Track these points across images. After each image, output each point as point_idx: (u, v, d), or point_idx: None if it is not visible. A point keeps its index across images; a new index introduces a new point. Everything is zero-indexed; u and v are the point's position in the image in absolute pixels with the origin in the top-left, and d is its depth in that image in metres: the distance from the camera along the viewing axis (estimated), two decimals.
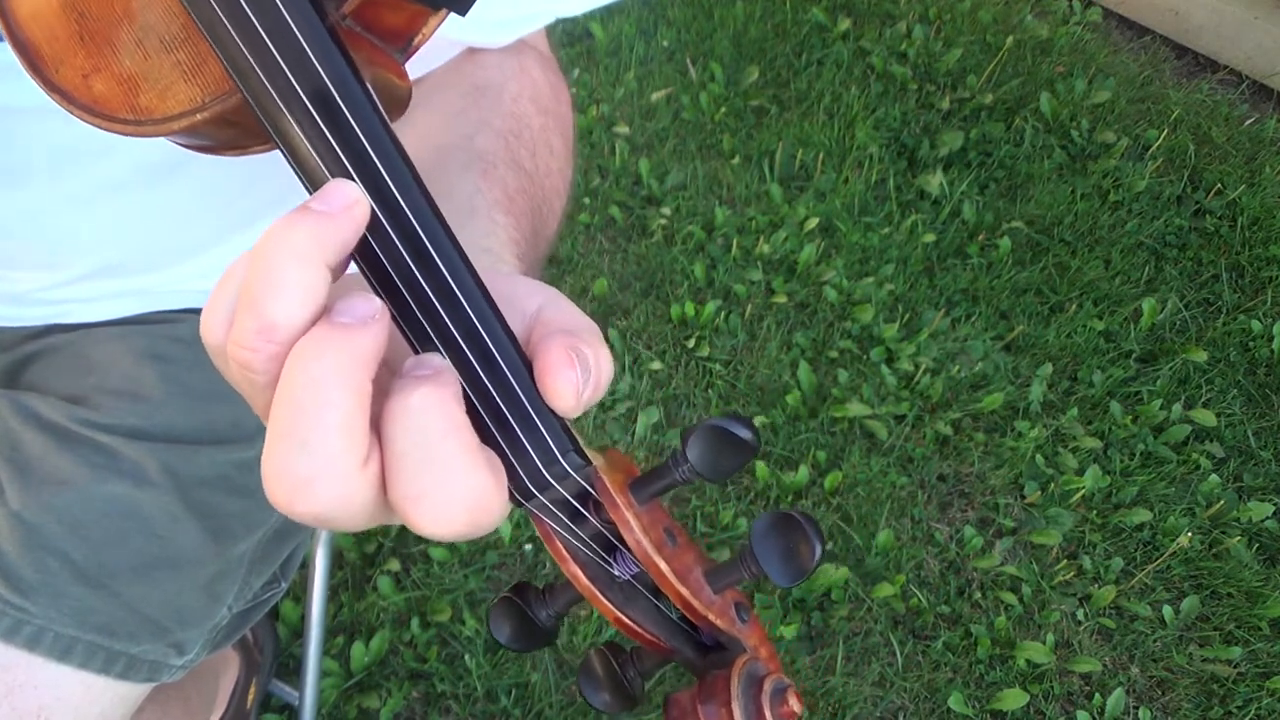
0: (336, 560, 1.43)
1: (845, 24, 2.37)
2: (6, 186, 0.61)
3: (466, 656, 1.36)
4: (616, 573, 0.36)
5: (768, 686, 0.36)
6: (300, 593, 1.34)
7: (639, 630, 0.37)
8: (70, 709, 0.59)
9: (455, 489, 0.29)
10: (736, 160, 2.07)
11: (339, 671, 1.32)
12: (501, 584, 1.44)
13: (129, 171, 0.62)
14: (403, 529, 1.47)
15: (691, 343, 1.75)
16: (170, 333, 0.71)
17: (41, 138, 0.59)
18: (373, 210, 0.30)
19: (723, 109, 2.15)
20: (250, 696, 1.15)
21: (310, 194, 0.30)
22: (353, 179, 0.30)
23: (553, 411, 0.32)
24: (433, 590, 1.41)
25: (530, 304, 0.35)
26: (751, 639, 0.38)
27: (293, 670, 1.26)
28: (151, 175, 0.63)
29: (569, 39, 2.27)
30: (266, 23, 0.29)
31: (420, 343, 0.32)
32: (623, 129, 2.09)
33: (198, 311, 0.73)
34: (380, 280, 0.31)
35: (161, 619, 0.63)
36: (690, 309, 1.78)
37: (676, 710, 0.36)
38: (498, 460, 0.31)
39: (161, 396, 0.67)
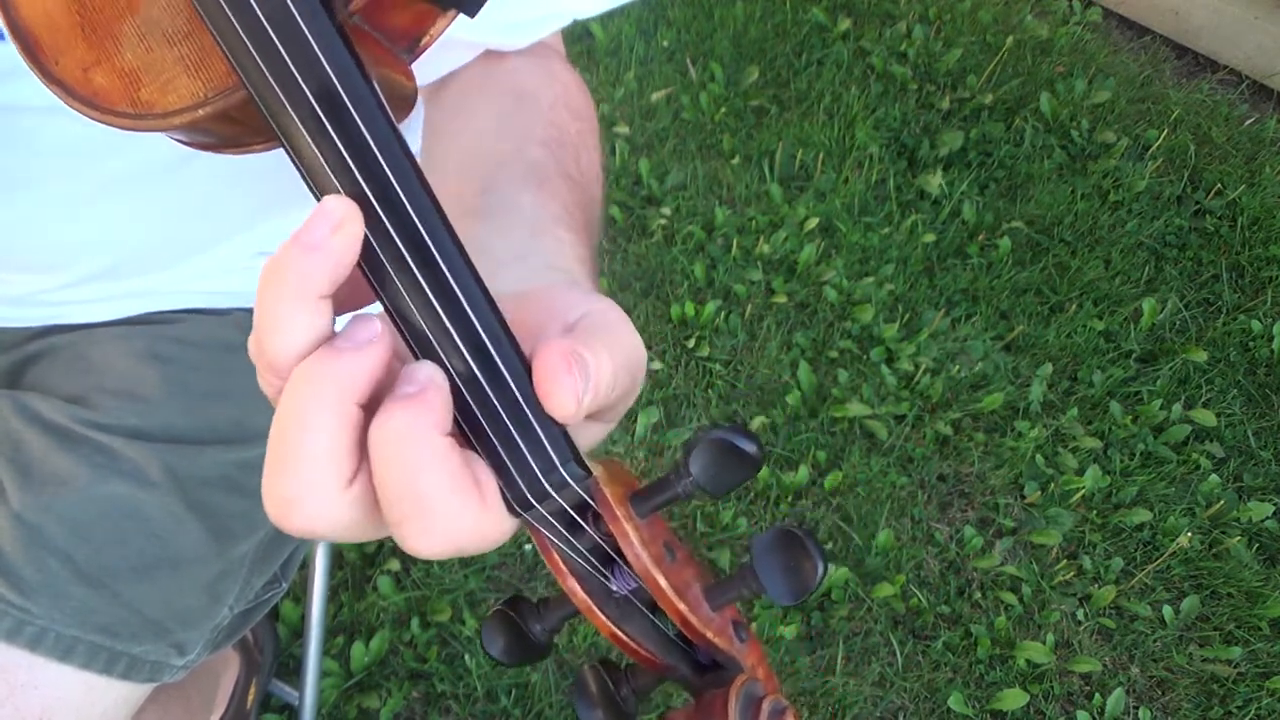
0: (336, 560, 1.43)
1: (845, 24, 2.37)
2: (6, 188, 0.61)
3: (466, 656, 1.36)
4: (614, 587, 0.36)
5: (766, 707, 0.35)
6: (300, 593, 1.34)
7: (635, 647, 0.36)
8: (72, 709, 0.59)
9: (436, 518, 0.29)
10: (736, 160, 2.07)
11: (339, 671, 1.32)
12: (501, 584, 1.44)
13: (129, 173, 0.62)
14: None
15: (691, 343, 1.75)
16: (171, 333, 0.71)
17: (39, 140, 0.59)
18: (375, 209, 0.30)
19: (723, 109, 2.15)
20: (250, 696, 1.15)
21: (313, 192, 0.30)
22: (356, 178, 0.29)
23: (553, 420, 0.31)
24: (433, 590, 1.42)
25: (573, 313, 0.34)
26: (749, 658, 0.38)
27: (293, 670, 1.26)
28: (151, 177, 0.63)
29: (569, 39, 2.26)
30: (274, 19, 0.29)
31: (419, 346, 0.31)
32: (623, 129, 2.09)
33: (198, 312, 0.73)
34: (380, 281, 0.31)
35: (163, 619, 0.63)
36: (690, 309, 1.78)
37: None
38: (488, 479, 0.31)
39: (162, 397, 0.67)
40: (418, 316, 0.31)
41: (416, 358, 0.31)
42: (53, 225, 0.63)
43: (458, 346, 0.31)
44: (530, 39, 0.64)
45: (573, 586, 0.35)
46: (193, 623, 0.66)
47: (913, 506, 1.61)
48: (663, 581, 0.34)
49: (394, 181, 0.30)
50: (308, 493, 0.29)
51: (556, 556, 0.34)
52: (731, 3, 2.37)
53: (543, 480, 0.32)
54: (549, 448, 0.32)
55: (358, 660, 1.33)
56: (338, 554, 1.44)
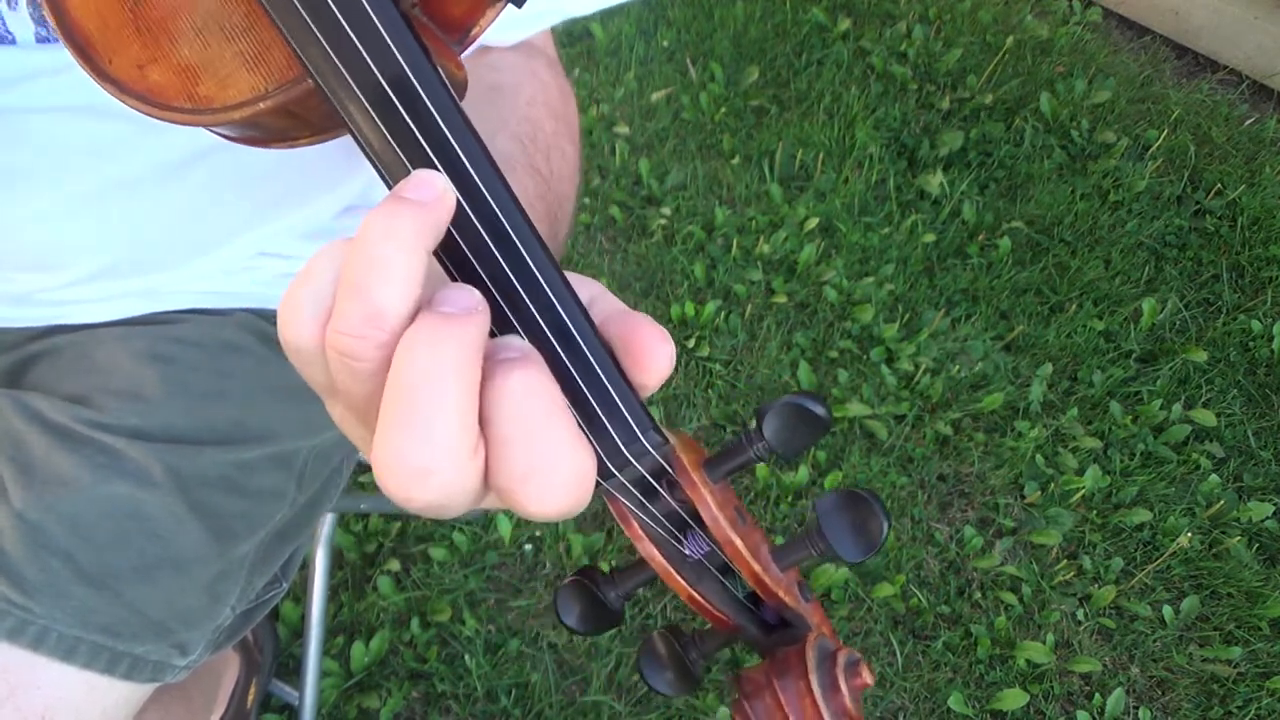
0: (336, 560, 1.43)
1: (845, 24, 2.37)
2: (8, 187, 0.61)
3: (466, 656, 1.36)
4: (687, 552, 0.37)
5: (841, 659, 0.37)
6: (300, 593, 1.34)
7: (710, 608, 0.37)
8: (74, 709, 0.59)
9: (561, 468, 0.30)
10: (736, 160, 2.07)
11: (339, 671, 1.32)
12: (501, 584, 1.44)
13: (132, 173, 0.62)
14: (403, 529, 1.47)
15: (691, 343, 1.75)
16: (173, 333, 0.71)
17: (44, 140, 0.59)
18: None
19: (723, 109, 2.15)
20: (250, 696, 1.15)
21: (386, 182, 0.30)
22: (435, 166, 0.30)
23: (632, 391, 0.33)
24: (433, 590, 1.41)
25: (581, 295, 0.35)
26: (814, 616, 0.39)
27: (293, 670, 1.26)
28: (154, 178, 0.63)
29: (569, 39, 2.27)
30: (346, 10, 0.29)
31: (500, 326, 0.32)
32: (623, 129, 2.09)
33: (201, 312, 0.73)
34: (459, 266, 0.31)
35: (164, 619, 0.63)
36: (690, 309, 1.78)
37: (750, 686, 0.36)
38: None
39: (163, 397, 0.67)
40: (496, 296, 0.31)
41: (493, 336, 0.31)
42: (55, 224, 0.63)
43: (537, 323, 0.31)
44: (521, 35, 0.64)
45: (651, 551, 0.36)
46: (194, 623, 0.66)
47: (913, 506, 1.61)
48: (739, 543, 0.35)
49: (468, 165, 0.30)
50: (442, 460, 0.29)
51: (636, 524, 0.35)
52: (731, 3, 2.37)
53: (624, 450, 0.33)
54: (629, 418, 0.33)
55: (358, 660, 1.33)
56: (338, 554, 1.44)
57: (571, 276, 0.37)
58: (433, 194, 0.29)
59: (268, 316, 0.75)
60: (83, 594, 0.60)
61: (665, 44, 2.28)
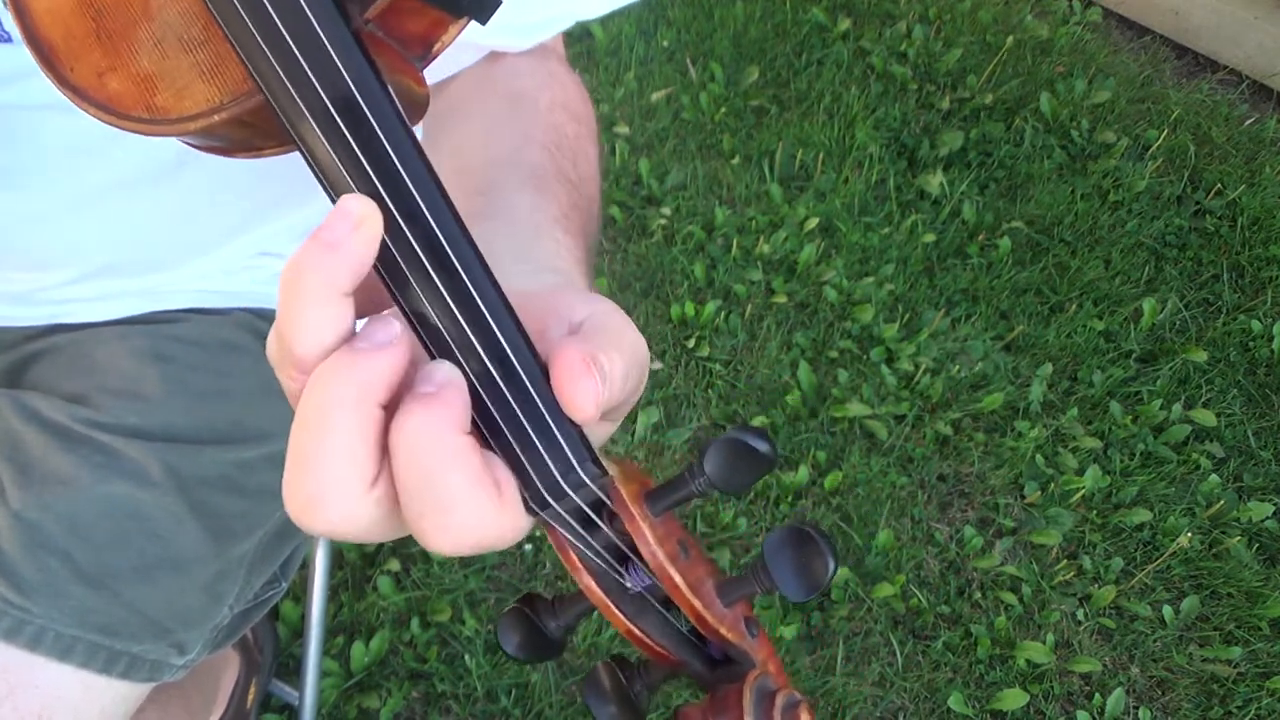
0: (336, 560, 1.43)
1: (845, 24, 2.37)
2: (8, 186, 0.61)
3: (466, 656, 1.36)
4: (629, 584, 0.36)
5: (780, 701, 0.36)
6: (300, 593, 1.34)
7: (650, 643, 0.37)
8: (71, 708, 0.59)
9: (457, 516, 0.30)
10: (736, 160, 2.07)
11: (339, 671, 1.32)
12: (501, 584, 1.44)
13: (132, 172, 0.62)
14: None
15: (691, 343, 1.75)
16: (172, 333, 0.71)
17: (44, 138, 0.59)
18: (393, 215, 0.30)
19: (723, 109, 2.15)
20: (250, 696, 1.15)
21: (329, 195, 0.30)
22: (374, 184, 0.30)
23: (570, 420, 0.32)
24: (433, 590, 1.41)
25: (576, 315, 0.35)
26: (760, 653, 0.38)
27: (293, 670, 1.26)
28: (154, 176, 0.63)
29: (569, 39, 2.26)
30: (292, 27, 0.29)
31: (437, 349, 0.31)
32: (623, 129, 2.09)
33: (200, 312, 0.73)
34: (397, 285, 0.31)
35: (163, 619, 0.63)
36: (690, 309, 1.78)
37: None
38: (507, 479, 0.31)
39: (162, 396, 0.67)
40: (435, 320, 0.31)
41: (433, 359, 0.31)
42: (55, 223, 0.63)
43: (475, 350, 0.31)
44: (533, 41, 0.64)
45: (589, 584, 0.35)
46: (193, 622, 0.66)
47: (913, 506, 1.61)
48: (677, 578, 0.35)
49: (411, 187, 0.30)
50: (331, 492, 0.29)
51: (574, 555, 0.35)
52: (731, 3, 2.37)
53: (560, 480, 0.32)
54: (566, 448, 0.32)
55: (358, 660, 1.33)
56: (338, 554, 1.44)
57: (577, 293, 0.37)
58: (345, 229, 0.28)
59: (267, 316, 0.75)
60: (81, 593, 0.60)
61: (665, 44, 2.28)
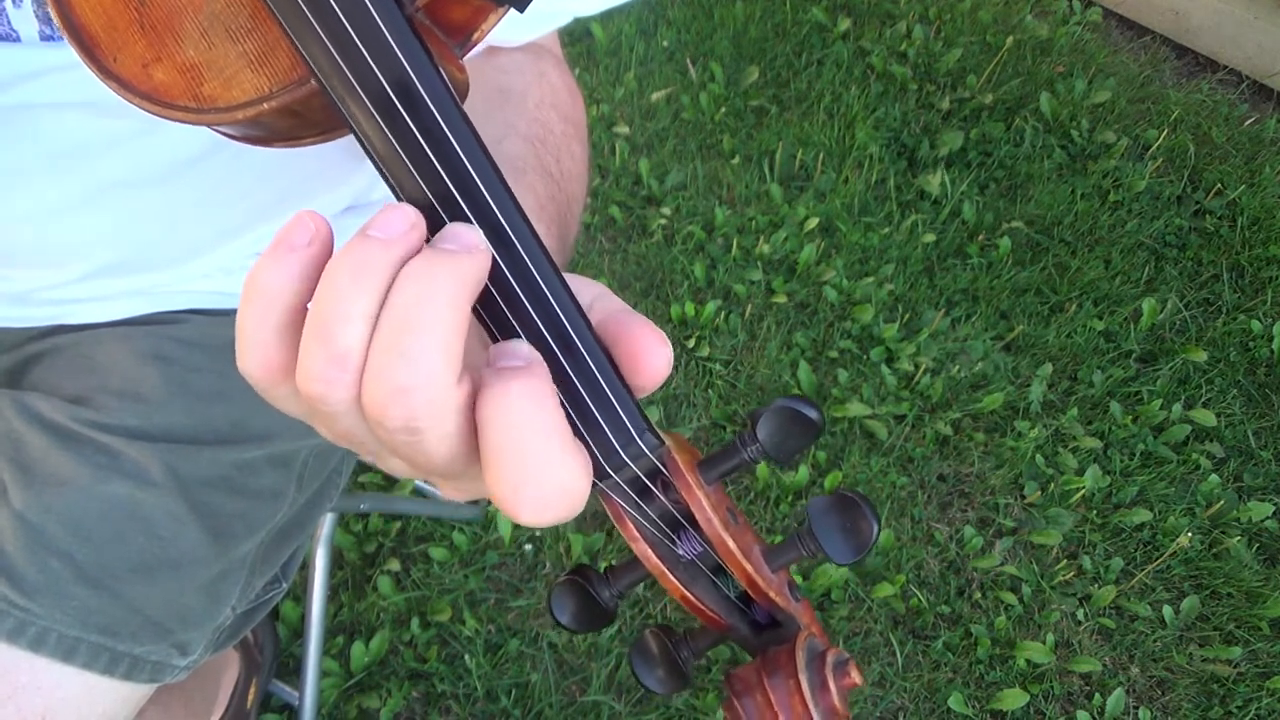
0: (336, 560, 1.43)
1: (845, 24, 2.37)
2: (8, 186, 0.61)
3: (466, 656, 1.36)
4: (681, 552, 0.37)
5: (830, 659, 0.37)
6: (300, 593, 1.34)
7: (702, 607, 0.38)
8: (74, 710, 0.59)
9: (553, 482, 0.30)
10: (736, 160, 2.07)
11: (339, 671, 1.32)
12: (501, 584, 1.44)
13: (134, 172, 0.62)
14: (403, 529, 1.47)
15: (691, 343, 1.75)
16: (173, 333, 0.71)
17: (45, 137, 0.59)
18: (452, 195, 0.30)
19: (723, 109, 2.15)
20: (250, 696, 1.15)
21: (388, 181, 0.31)
22: (434, 166, 0.30)
23: (628, 393, 0.33)
24: (433, 590, 1.41)
25: (584, 296, 0.35)
26: (804, 616, 0.40)
27: (293, 670, 1.26)
28: (155, 177, 0.63)
29: (569, 39, 2.27)
30: (350, 14, 0.29)
31: (500, 329, 0.32)
32: (623, 129, 2.09)
33: (201, 312, 0.73)
34: None
35: (164, 620, 0.63)
36: (690, 309, 1.78)
37: (741, 685, 0.37)
38: (584, 447, 0.32)
39: (163, 397, 0.67)
40: (498, 299, 0.31)
41: (495, 340, 0.31)
42: (57, 222, 0.63)
43: (538, 327, 0.32)
44: (529, 35, 0.64)
45: (645, 551, 0.36)
46: (194, 623, 0.66)
47: (913, 506, 1.61)
48: (731, 543, 0.36)
49: (470, 169, 0.31)
50: (424, 381, 0.29)
51: (630, 524, 0.36)
52: (731, 3, 2.37)
53: (620, 451, 0.33)
54: (626, 421, 0.33)
55: (358, 660, 1.33)
56: (338, 554, 1.44)
57: (573, 278, 0.37)
58: (399, 229, 0.29)
59: None
60: (82, 594, 0.59)
61: (665, 44, 2.28)
